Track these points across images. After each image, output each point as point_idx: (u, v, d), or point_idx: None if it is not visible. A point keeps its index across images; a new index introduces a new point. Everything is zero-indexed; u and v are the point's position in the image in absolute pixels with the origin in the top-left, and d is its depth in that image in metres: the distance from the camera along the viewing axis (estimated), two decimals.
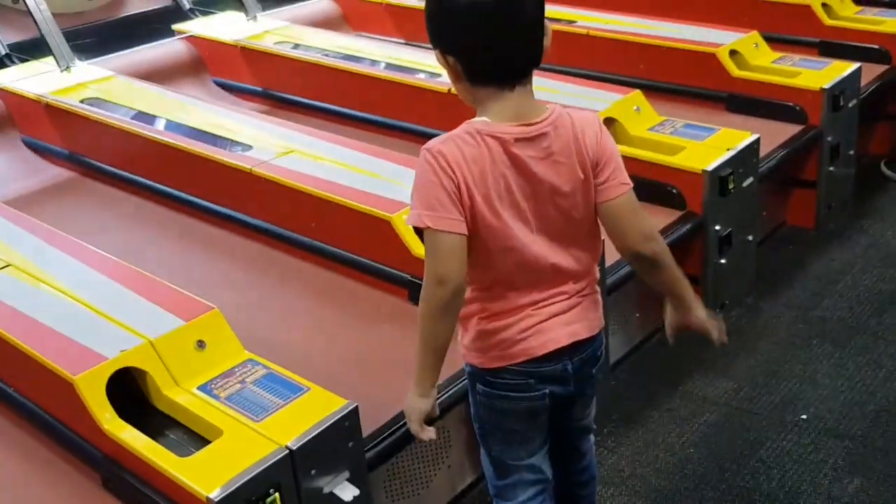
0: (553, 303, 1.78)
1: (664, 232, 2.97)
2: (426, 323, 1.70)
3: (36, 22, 3.86)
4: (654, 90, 3.69)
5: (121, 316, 2.15)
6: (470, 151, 1.62)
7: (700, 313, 1.90)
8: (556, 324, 1.79)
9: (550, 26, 1.65)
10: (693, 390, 2.87)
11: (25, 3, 3.86)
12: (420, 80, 3.67)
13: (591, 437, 2.08)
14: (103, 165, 3.51)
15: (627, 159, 3.09)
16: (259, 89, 4.28)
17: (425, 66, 3.78)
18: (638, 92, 3.40)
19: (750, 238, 3.28)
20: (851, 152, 3.85)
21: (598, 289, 1.88)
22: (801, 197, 3.81)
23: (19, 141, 3.79)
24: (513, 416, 1.87)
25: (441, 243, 1.63)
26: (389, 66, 3.89)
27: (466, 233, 1.63)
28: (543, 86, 3.50)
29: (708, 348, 3.06)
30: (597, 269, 1.85)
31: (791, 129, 3.61)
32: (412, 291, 2.58)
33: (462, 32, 1.61)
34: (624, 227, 1.76)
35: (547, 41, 1.65)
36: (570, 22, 4.31)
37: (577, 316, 1.82)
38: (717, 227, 3.07)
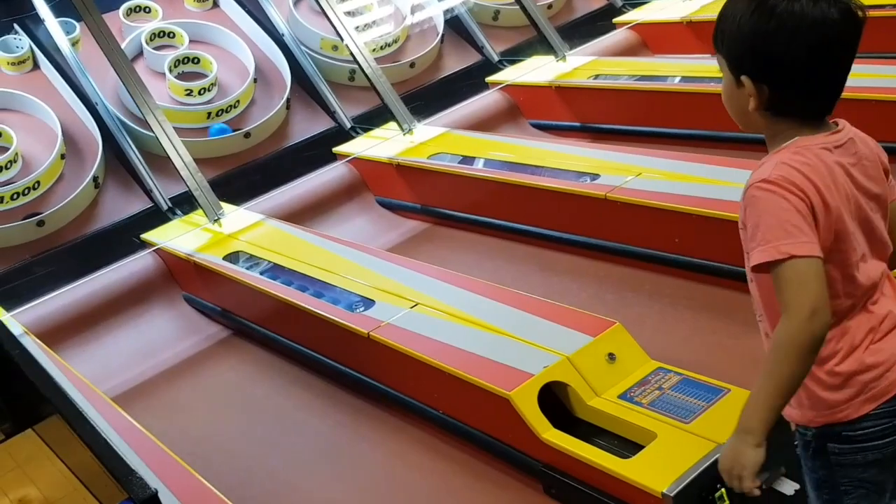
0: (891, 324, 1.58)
1: None
2: (789, 365, 1.50)
3: (379, 93, 4.28)
4: None
5: (532, 337, 2.33)
6: (807, 168, 1.49)
7: None
8: None
9: None
10: None
11: (369, 79, 4.29)
12: None
13: None
14: (456, 213, 3.79)
15: None
16: (577, 124, 4.45)
17: None
18: None
19: None
20: None
21: None
22: None
23: (374, 202, 4.19)
24: (876, 467, 1.64)
25: (808, 270, 1.46)
26: (710, 80, 3.91)
27: (820, 256, 1.47)
28: (874, 73, 3.40)
29: None
30: None
31: None
32: None
33: (787, 62, 1.46)
34: None
35: None
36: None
37: None
38: None
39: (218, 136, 4.22)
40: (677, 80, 4.23)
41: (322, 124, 4.51)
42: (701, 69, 4.16)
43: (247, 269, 3.32)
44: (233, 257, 3.42)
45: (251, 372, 3.08)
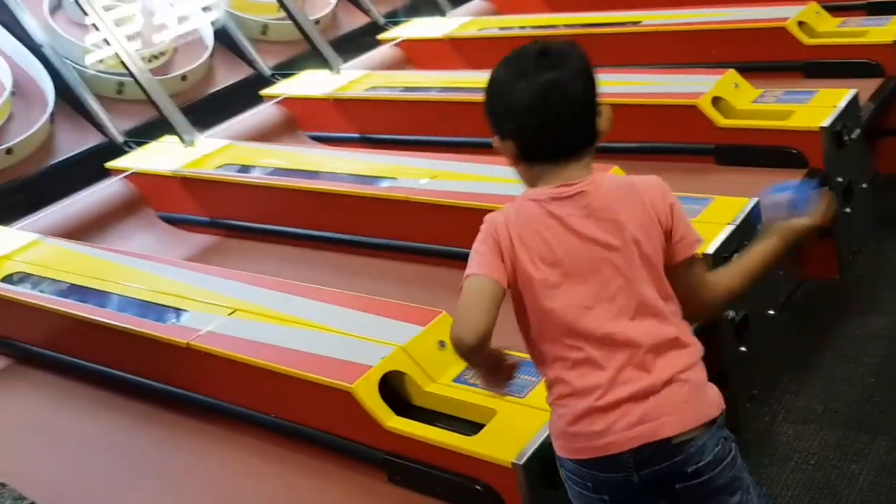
0: (619, 385, 1.57)
1: None
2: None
3: (157, 105, 4.12)
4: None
5: (363, 332, 2.37)
6: (513, 216, 1.65)
7: (795, 225, 1.73)
8: (621, 420, 1.56)
9: (608, 108, 1.66)
10: (853, 331, 3.06)
11: (145, 90, 4.12)
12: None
13: None
14: (249, 224, 3.74)
15: (743, 131, 3.38)
16: (356, 135, 4.52)
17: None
18: (733, 71, 3.63)
19: (864, 186, 3.48)
20: None
21: (699, 366, 1.63)
22: (891, 146, 4.00)
23: (156, 217, 4.03)
24: None
25: (471, 286, 1.63)
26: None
27: (499, 281, 1.61)
28: (642, 80, 3.77)
29: (852, 295, 3.27)
30: (692, 339, 1.64)
31: (871, 84, 3.81)
32: None
33: (514, 119, 1.63)
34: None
35: (603, 121, 1.65)
36: (636, 23, 4.57)
37: (657, 407, 1.56)
38: (840, 179, 3.28)
39: None
40: (450, 91, 4.41)
41: (91, 139, 4.28)
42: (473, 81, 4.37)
43: (29, 290, 3.09)
44: (10, 279, 3.17)
45: (47, 400, 2.87)
